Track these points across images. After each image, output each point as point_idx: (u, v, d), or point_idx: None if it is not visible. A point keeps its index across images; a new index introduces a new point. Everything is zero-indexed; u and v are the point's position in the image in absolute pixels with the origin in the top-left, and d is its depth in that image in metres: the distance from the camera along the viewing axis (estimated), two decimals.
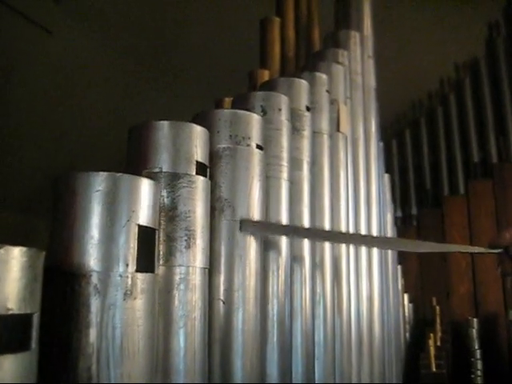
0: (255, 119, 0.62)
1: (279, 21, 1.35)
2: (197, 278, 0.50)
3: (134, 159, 0.53)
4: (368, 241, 0.88)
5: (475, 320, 2.28)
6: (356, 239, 0.86)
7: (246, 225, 0.58)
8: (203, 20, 3.13)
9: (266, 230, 0.62)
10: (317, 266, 0.84)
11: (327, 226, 0.88)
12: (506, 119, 2.92)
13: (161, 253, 0.49)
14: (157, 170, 0.50)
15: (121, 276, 0.39)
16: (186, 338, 0.48)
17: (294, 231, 0.68)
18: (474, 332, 2.24)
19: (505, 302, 2.37)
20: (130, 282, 0.39)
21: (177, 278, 0.49)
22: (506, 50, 3.02)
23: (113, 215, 0.39)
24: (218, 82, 2.19)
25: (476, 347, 2.18)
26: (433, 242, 0.75)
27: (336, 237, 0.77)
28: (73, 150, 2.76)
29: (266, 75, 1.20)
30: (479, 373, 2.02)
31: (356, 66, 1.25)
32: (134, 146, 0.53)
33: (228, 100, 1.00)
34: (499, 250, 0.75)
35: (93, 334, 0.37)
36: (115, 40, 3.22)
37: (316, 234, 0.72)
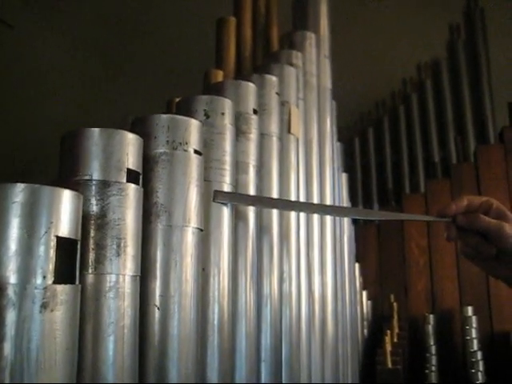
0: (193, 124, 0.62)
1: (235, 21, 1.34)
2: (126, 286, 0.50)
3: (65, 167, 0.52)
4: (323, 209, 0.98)
5: (431, 316, 2.33)
6: (310, 207, 0.96)
7: (218, 195, 0.67)
8: (166, 16, 3.10)
9: (238, 200, 0.71)
10: (264, 266, 0.84)
11: (275, 230, 0.88)
12: (464, 120, 2.99)
13: (89, 261, 0.48)
14: (87, 177, 0.50)
15: (37, 288, 0.38)
16: (115, 346, 0.48)
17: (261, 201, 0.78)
18: (430, 328, 2.29)
19: (460, 299, 2.43)
20: (47, 294, 0.39)
21: (106, 285, 0.49)
22: (466, 53, 3.09)
23: (30, 227, 0.39)
24: (180, 82, 2.18)
25: (431, 343, 2.23)
26: (384, 211, 0.82)
27: (286, 205, 0.85)
28: (30, 148, 2.71)
29: (220, 76, 1.20)
30: (434, 368, 2.07)
31: (311, 67, 1.25)
32: (65, 153, 0.52)
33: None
34: (447, 219, 0.79)
35: (7, 347, 0.37)
36: (77, 35, 3.17)
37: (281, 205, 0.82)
